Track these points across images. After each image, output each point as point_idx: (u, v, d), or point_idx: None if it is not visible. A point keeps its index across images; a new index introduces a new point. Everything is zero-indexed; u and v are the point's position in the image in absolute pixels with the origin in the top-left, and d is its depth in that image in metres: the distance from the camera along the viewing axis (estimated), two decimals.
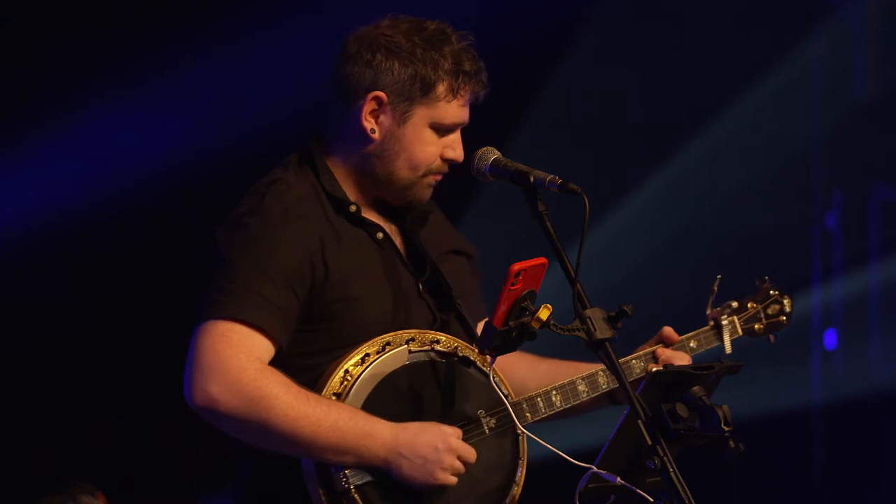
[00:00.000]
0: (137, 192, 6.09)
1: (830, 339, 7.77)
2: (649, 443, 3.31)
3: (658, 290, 7.22)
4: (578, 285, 3.49)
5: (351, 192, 3.74)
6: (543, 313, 3.45)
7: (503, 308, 3.46)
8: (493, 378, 3.71)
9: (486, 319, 3.52)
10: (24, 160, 5.95)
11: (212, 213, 6.35)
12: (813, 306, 7.77)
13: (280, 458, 3.60)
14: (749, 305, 4.33)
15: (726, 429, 3.31)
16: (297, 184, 3.69)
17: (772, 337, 4.36)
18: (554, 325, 3.46)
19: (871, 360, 7.76)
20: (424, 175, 3.73)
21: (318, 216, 3.67)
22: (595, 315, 3.43)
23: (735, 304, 4.31)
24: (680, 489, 3.26)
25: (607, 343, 3.41)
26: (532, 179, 3.64)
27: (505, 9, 6.73)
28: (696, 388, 3.39)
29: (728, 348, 4.24)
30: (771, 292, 4.36)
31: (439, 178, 3.78)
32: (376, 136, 3.69)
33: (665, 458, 3.29)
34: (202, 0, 6.19)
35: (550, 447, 3.66)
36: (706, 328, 4.24)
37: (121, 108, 6.06)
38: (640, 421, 3.32)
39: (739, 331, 4.29)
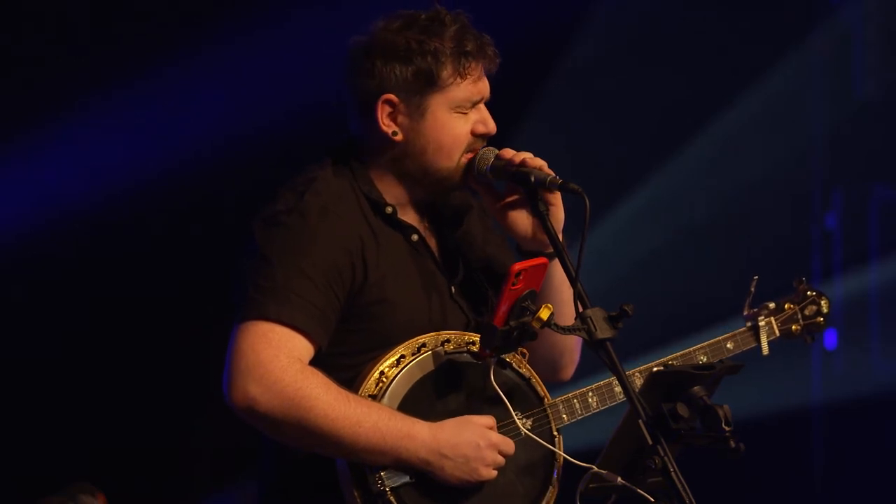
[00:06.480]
0: (137, 192, 6.09)
1: (830, 338, 7.77)
2: (650, 442, 3.31)
3: (659, 289, 7.22)
4: (579, 285, 3.49)
5: (387, 194, 3.71)
6: (544, 313, 3.45)
7: (504, 308, 3.46)
8: (531, 380, 3.70)
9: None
10: (24, 160, 5.95)
11: (212, 213, 6.35)
12: None
13: (306, 463, 3.59)
14: (786, 306, 4.28)
15: (727, 429, 3.31)
16: (335, 182, 3.66)
17: (808, 338, 4.33)
18: (555, 324, 3.46)
19: (871, 360, 7.76)
20: (461, 158, 3.69)
21: (357, 216, 3.65)
22: (596, 315, 3.43)
23: (772, 305, 4.26)
24: (681, 489, 3.26)
25: (608, 343, 3.41)
26: (532, 179, 3.64)
27: (505, 9, 6.72)
28: (696, 388, 3.38)
29: (765, 349, 4.20)
30: (808, 293, 4.32)
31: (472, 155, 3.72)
32: (399, 137, 3.66)
33: (666, 457, 3.28)
34: (202, 0, 6.19)
35: (551, 447, 3.66)
36: (743, 329, 4.20)
37: (120, 107, 6.05)
38: (640, 421, 3.32)
39: (777, 332, 4.25)
